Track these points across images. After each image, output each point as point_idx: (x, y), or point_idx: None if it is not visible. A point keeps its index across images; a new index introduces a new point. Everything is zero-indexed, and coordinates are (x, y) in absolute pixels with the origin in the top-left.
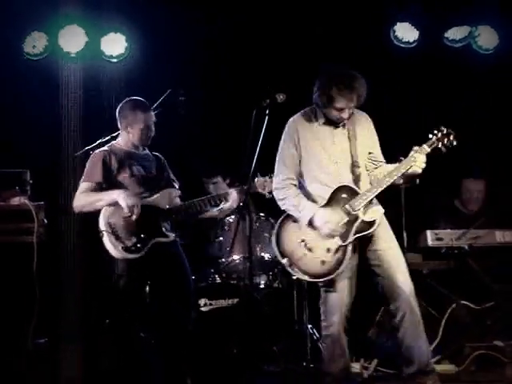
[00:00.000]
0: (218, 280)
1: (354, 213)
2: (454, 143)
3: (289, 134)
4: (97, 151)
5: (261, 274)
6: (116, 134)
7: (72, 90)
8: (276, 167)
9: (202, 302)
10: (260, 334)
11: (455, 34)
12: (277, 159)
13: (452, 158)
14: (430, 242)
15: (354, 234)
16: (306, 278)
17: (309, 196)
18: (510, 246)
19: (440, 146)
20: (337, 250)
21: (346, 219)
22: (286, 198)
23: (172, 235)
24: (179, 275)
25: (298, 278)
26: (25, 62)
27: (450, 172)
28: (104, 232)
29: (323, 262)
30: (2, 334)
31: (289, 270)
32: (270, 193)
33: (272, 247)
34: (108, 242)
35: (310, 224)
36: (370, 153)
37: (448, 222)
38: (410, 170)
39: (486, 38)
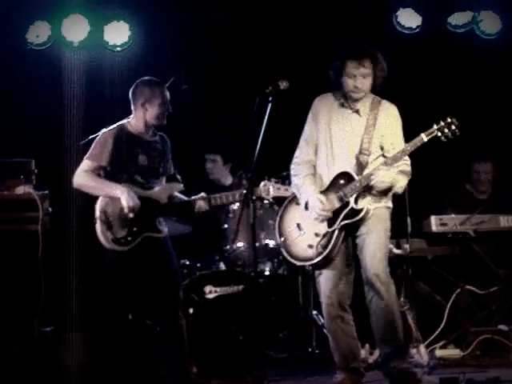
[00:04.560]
0: (223, 267)
1: (346, 199)
2: (457, 133)
3: (311, 110)
4: (106, 132)
5: (265, 260)
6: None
7: (75, 80)
8: (299, 142)
9: (207, 289)
10: (265, 321)
11: (458, 19)
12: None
13: (460, 142)
14: (434, 228)
15: (342, 221)
16: (294, 261)
17: (317, 177)
18: None
19: (440, 135)
20: (324, 236)
21: (338, 205)
22: (296, 175)
23: (165, 231)
24: (166, 269)
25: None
26: (28, 51)
27: (458, 157)
28: (97, 219)
29: (310, 246)
30: (8, 322)
31: (282, 250)
32: (274, 198)
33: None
34: (99, 230)
35: (306, 207)
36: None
37: (459, 206)
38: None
39: (489, 23)
